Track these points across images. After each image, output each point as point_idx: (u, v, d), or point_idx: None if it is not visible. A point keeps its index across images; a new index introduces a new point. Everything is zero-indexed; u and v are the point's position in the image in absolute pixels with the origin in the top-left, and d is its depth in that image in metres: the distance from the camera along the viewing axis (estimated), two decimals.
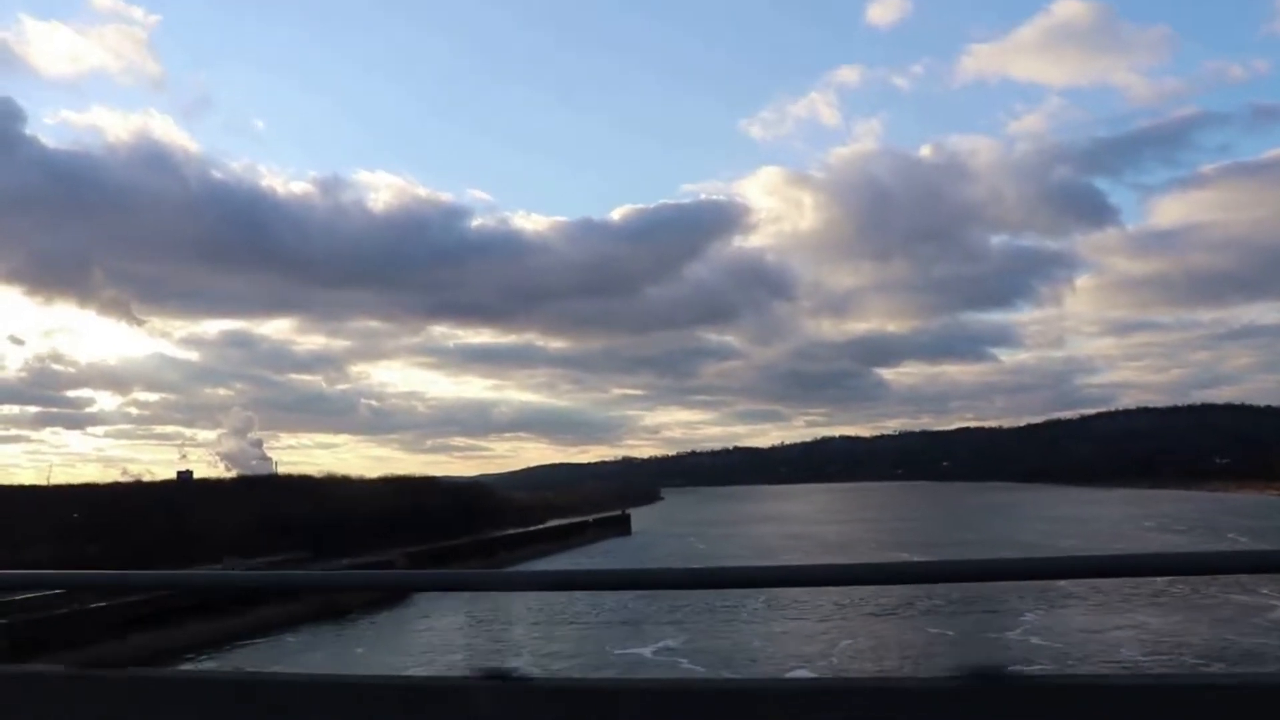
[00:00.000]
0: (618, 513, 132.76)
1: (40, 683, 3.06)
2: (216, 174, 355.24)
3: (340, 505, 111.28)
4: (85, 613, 46.78)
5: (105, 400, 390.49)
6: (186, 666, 39.30)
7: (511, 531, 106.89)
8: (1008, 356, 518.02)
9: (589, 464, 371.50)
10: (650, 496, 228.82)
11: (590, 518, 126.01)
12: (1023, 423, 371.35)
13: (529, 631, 53.44)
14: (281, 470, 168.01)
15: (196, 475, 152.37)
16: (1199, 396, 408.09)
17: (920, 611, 51.10)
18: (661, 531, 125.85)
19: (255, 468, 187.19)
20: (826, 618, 52.05)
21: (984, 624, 48.21)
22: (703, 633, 51.30)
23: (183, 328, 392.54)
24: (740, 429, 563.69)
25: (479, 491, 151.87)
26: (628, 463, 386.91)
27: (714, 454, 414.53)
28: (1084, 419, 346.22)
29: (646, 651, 48.59)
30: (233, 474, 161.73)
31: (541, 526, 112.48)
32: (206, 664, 47.30)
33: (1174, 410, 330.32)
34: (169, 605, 49.92)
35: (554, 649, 47.63)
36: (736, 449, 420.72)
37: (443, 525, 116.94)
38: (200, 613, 52.38)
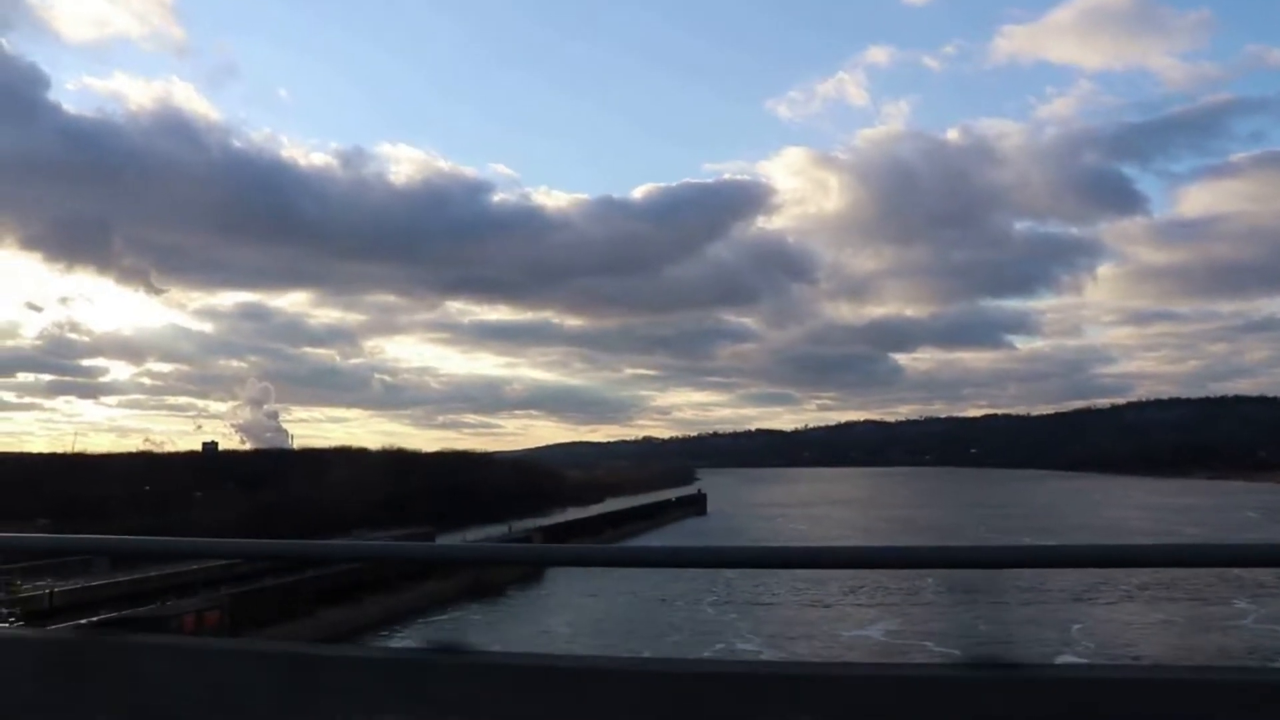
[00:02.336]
0: (694, 492, 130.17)
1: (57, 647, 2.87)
2: (237, 143, 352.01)
3: (424, 480, 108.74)
4: (287, 587, 43.88)
5: (119, 370, 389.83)
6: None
7: (610, 510, 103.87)
8: (1024, 344, 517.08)
9: (607, 443, 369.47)
10: (687, 478, 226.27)
11: (672, 496, 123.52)
12: (1050, 410, 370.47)
13: (742, 613, 50.86)
14: (296, 444, 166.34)
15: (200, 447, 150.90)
16: (1215, 389, 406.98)
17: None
18: (737, 513, 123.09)
19: (270, 440, 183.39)
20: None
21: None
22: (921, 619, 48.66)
23: (198, 299, 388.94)
24: (752, 411, 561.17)
25: (542, 470, 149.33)
26: (648, 443, 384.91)
27: (735, 436, 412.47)
28: (1115, 408, 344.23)
29: (874, 633, 46.14)
30: (248, 446, 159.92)
31: (631, 505, 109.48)
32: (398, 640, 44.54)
33: (1206, 401, 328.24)
34: (347, 582, 47.19)
35: (798, 631, 45.16)
36: (759, 431, 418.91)
37: (514, 501, 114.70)
38: (376, 589, 49.42)
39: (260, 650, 2.92)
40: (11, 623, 36.42)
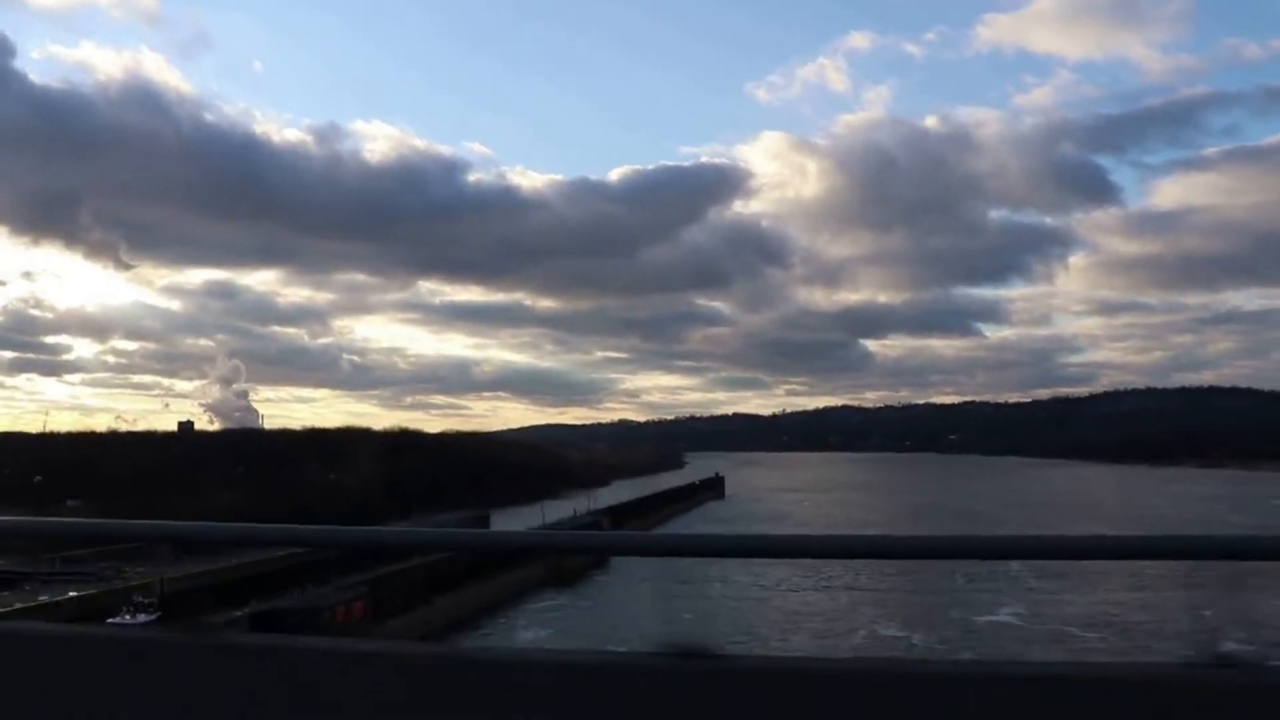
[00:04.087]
0: (712, 476, 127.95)
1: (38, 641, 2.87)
2: (209, 117, 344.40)
3: (440, 463, 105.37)
4: (407, 574, 40.68)
5: (83, 347, 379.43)
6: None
7: (651, 493, 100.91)
8: (993, 333, 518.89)
9: (582, 426, 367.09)
10: (678, 461, 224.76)
11: (696, 480, 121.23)
12: (1016, 399, 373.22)
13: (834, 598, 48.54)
14: (267, 424, 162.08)
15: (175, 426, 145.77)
16: (1178, 379, 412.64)
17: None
18: (757, 496, 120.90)
19: (240, 419, 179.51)
20: None
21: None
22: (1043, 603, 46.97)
23: (166, 276, 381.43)
24: (722, 395, 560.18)
25: (548, 451, 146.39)
26: (624, 425, 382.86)
27: (712, 419, 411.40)
28: (1092, 397, 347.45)
29: (1002, 618, 44.75)
30: (217, 425, 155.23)
31: (667, 489, 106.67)
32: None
33: (1180, 391, 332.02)
34: (450, 569, 44.07)
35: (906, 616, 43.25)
36: (737, 415, 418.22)
37: (533, 481, 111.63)
38: (475, 576, 46.22)
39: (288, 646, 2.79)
40: (150, 613, 33.38)
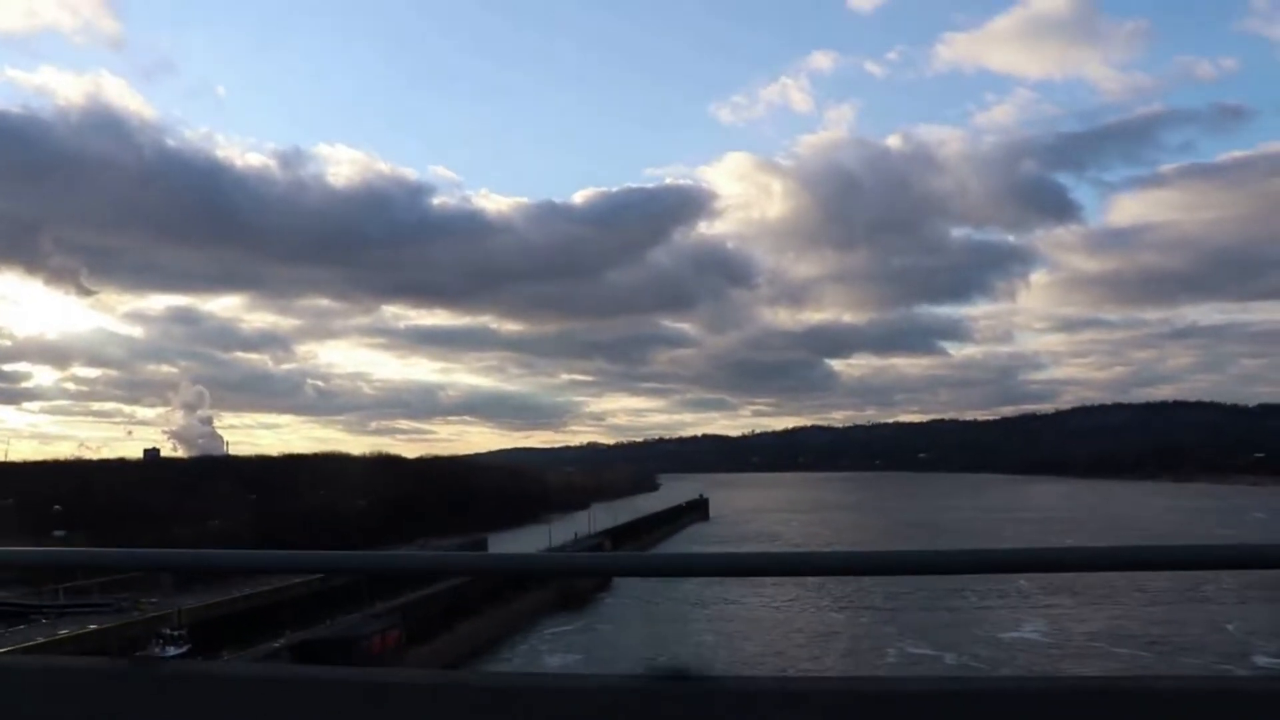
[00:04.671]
0: (696, 497, 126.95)
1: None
2: (171, 142, 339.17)
3: (426, 486, 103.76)
4: (429, 601, 39.34)
5: (43, 375, 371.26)
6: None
7: (642, 516, 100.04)
8: (957, 350, 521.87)
9: (550, 449, 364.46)
10: (651, 484, 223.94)
11: (684, 502, 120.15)
12: (981, 416, 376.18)
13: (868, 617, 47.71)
14: (231, 451, 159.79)
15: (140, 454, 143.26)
16: (1139, 394, 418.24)
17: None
18: (740, 519, 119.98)
19: (204, 446, 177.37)
20: None
21: None
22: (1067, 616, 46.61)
23: (128, 302, 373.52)
24: (688, 417, 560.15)
25: (528, 475, 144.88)
26: (593, 448, 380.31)
27: (681, 441, 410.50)
28: (1059, 414, 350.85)
29: (1026, 634, 44.30)
30: (181, 453, 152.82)
31: (658, 510, 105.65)
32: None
33: (1145, 407, 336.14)
34: (469, 595, 42.84)
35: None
36: (705, 437, 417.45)
37: (516, 505, 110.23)
38: (492, 600, 45.03)
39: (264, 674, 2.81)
40: (180, 645, 31.89)
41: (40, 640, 31.93)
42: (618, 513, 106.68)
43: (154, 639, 32.22)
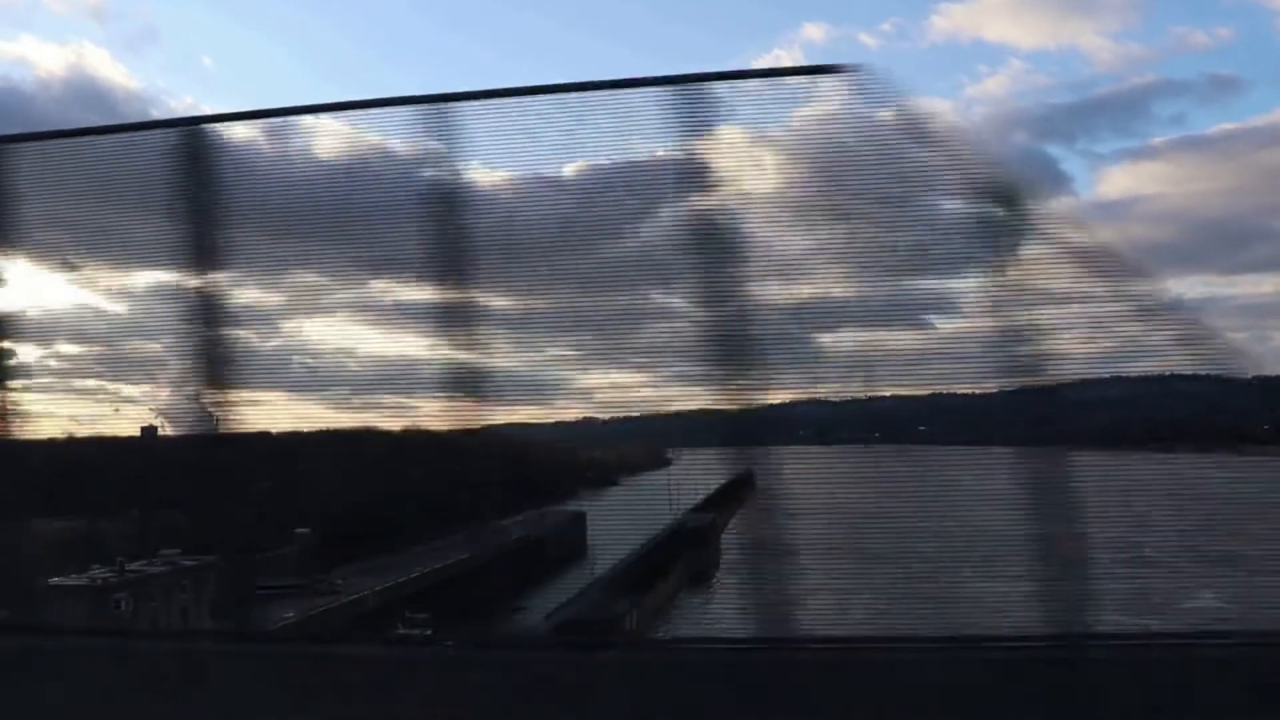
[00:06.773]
0: (745, 470, 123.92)
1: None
2: (156, 114, 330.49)
3: (468, 464, 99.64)
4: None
5: (24, 353, 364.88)
6: None
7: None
8: (945, 324, 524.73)
9: (542, 425, 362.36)
10: (663, 460, 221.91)
11: (728, 478, 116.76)
12: (993, 388, 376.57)
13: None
14: (220, 428, 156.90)
15: (134, 432, 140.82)
16: (1130, 368, 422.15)
17: None
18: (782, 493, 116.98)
19: (194, 425, 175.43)
20: None
21: None
22: None
23: (111, 278, 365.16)
24: (675, 391, 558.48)
25: (558, 448, 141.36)
26: (589, 424, 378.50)
27: (677, 416, 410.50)
28: (1059, 385, 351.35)
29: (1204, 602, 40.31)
30: (170, 431, 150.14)
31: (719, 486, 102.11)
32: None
33: (1144, 379, 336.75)
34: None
35: None
36: (699, 411, 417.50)
37: (557, 480, 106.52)
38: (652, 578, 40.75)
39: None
40: (426, 627, 27.58)
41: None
42: (643, 488, 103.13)
43: (401, 620, 28.00)
